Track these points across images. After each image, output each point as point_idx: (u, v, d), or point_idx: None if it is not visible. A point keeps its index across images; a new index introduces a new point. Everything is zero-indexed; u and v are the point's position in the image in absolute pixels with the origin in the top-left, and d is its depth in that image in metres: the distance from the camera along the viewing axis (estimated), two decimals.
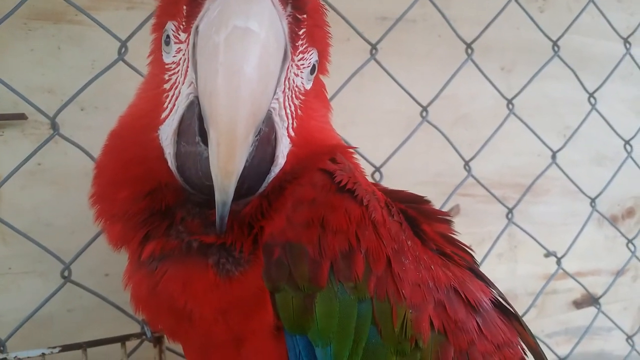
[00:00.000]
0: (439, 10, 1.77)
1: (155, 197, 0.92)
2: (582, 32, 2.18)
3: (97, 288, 1.43)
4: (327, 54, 1.02)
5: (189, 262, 0.90)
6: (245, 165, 0.83)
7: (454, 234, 1.11)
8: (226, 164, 0.80)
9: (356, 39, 1.63)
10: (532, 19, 1.95)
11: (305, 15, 0.88)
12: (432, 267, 0.96)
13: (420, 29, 1.93)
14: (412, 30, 1.91)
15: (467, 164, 1.87)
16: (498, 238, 1.97)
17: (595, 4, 2.13)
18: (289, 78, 0.91)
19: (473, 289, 1.01)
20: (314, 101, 1.01)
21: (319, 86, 1.05)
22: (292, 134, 0.94)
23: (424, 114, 1.76)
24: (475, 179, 1.89)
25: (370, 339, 0.87)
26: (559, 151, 2.08)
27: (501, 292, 1.10)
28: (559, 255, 2.15)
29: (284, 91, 0.91)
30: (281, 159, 0.92)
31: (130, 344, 1.38)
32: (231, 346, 0.94)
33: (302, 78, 0.95)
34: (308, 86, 0.97)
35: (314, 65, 0.96)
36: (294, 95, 0.94)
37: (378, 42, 1.67)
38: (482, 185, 1.91)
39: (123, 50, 1.39)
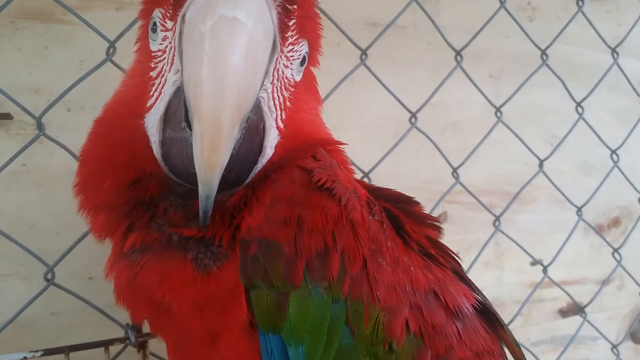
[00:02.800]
0: (429, 17, 1.77)
1: (139, 187, 0.91)
2: (571, 42, 2.20)
3: (81, 291, 1.41)
4: (318, 45, 1.01)
5: (168, 256, 0.90)
6: (232, 153, 0.83)
7: (440, 239, 1.09)
8: (210, 157, 0.79)
9: (346, 44, 1.63)
10: (521, 27, 1.96)
11: (295, 6, 0.87)
12: (412, 268, 0.95)
13: (410, 35, 1.94)
14: (402, 37, 1.92)
15: (455, 170, 1.87)
16: (485, 246, 1.97)
17: (583, 13, 2.15)
18: (277, 69, 0.90)
19: (455, 293, 0.99)
20: (304, 93, 1.00)
21: (309, 78, 1.04)
22: (281, 125, 0.94)
23: (413, 120, 1.76)
24: (463, 186, 1.89)
25: (343, 340, 0.87)
26: (546, 160, 2.09)
27: (486, 298, 1.09)
28: (545, 264, 2.15)
29: (272, 82, 0.90)
30: (269, 150, 0.91)
31: (114, 349, 1.36)
32: (207, 341, 0.93)
33: (291, 70, 0.94)
34: (298, 78, 0.96)
35: (304, 56, 0.95)
36: (283, 87, 0.93)
37: (368, 47, 1.66)
38: (470, 193, 1.91)
39: (111, 50, 1.38)
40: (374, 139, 1.84)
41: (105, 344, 1.33)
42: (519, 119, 2.08)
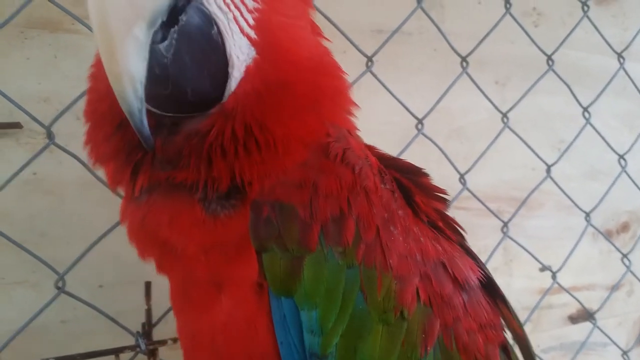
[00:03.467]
0: (435, 24, 1.78)
1: (125, 130, 0.85)
2: (576, 47, 2.20)
3: (92, 299, 1.41)
4: None
5: (175, 196, 0.87)
6: (164, 62, 0.77)
7: (446, 211, 1.09)
8: (110, 66, 0.73)
9: (352, 51, 1.64)
10: (526, 33, 1.96)
11: None
12: (422, 239, 0.95)
13: (416, 41, 1.95)
14: (407, 43, 1.93)
15: (462, 177, 1.87)
16: (493, 252, 1.97)
17: (589, 19, 2.15)
18: None
19: (462, 266, 0.99)
20: None
21: None
22: (251, 33, 0.85)
23: (420, 126, 1.77)
24: (470, 192, 1.89)
25: (357, 306, 0.86)
26: (553, 165, 2.09)
27: (489, 272, 1.09)
28: (554, 270, 2.14)
29: None
30: (236, 60, 0.84)
31: (125, 357, 1.36)
32: (212, 289, 0.92)
33: None
34: None
35: None
36: None
37: (374, 54, 1.67)
38: (477, 199, 1.91)
39: None
40: (380, 145, 1.82)
41: (116, 351, 1.34)
42: (526, 125, 2.08)
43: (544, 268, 2.17)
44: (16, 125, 1.41)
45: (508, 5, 1.93)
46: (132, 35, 0.71)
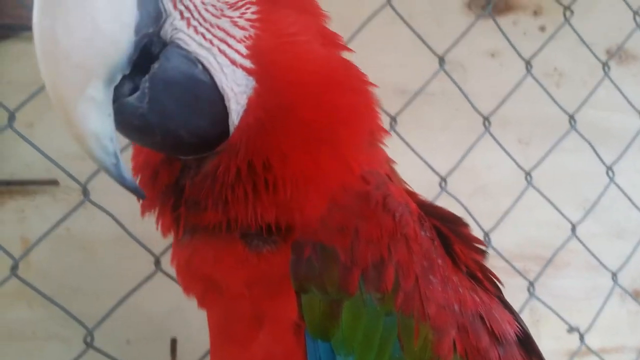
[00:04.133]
0: (457, 85, 1.83)
1: (158, 178, 0.86)
2: (598, 106, 2.22)
3: (119, 355, 1.43)
4: None
5: (218, 234, 0.86)
6: (139, 112, 0.75)
7: (485, 263, 1.06)
8: (69, 129, 0.71)
9: None
10: (548, 94, 2.00)
11: None
12: (460, 289, 0.93)
13: (439, 101, 1.99)
14: (431, 103, 1.97)
15: (486, 235, 1.88)
16: (520, 312, 1.94)
17: (610, 78, 2.19)
18: None
19: (499, 319, 0.97)
20: (274, 10, 0.85)
21: None
22: (246, 63, 0.81)
23: (443, 184, 1.79)
24: (495, 250, 1.89)
25: (393, 354, 0.85)
26: (578, 224, 2.08)
27: (526, 327, 1.06)
28: (581, 330, 2.11)
29: (183, 17, 0.78)
30: (231, 93, 0.80)
31: None
32: (253, 324, 0.91)
33: None
34: None
35: None
36: (204, 15, 0.80)
37: (397, 114, 1.72)
38: (502, 257, 1.91)
39: None
40: None
41: None
42: (550, 183, 2.08)
43: (571, 329, 2.13)
44: (53, 182, 1.46)
45: (529, 67, 1.98)
46: (86, 96, 0.69)
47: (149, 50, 0.76)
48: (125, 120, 0.75)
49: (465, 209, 1.84)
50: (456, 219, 1.04)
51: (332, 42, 0.94)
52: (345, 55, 0.95)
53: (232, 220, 0.83)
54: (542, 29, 2.17)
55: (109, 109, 0.71)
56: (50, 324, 1.47)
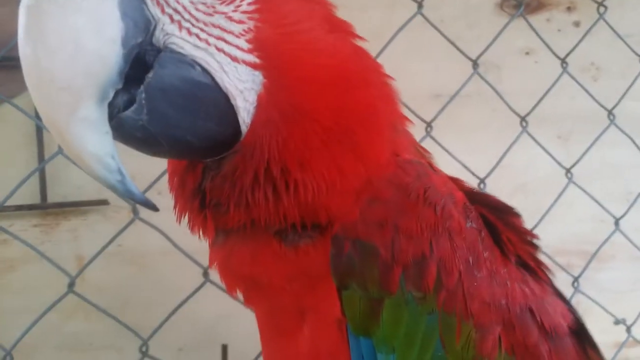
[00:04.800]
0: (491, 86, 1.83)
1: (185, 181, 0.85)
2: (637, 98, 2.18)
3: None
4: None
5: (252, 233, 0.84)
6: (140, 124, 0.72)
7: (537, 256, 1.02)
8: (68, 151, 0.70)
9: (411, 117, 1.69)
10: (585, 89, 1.99)
11: None
12: (508, 282, 0.90)
13: (475, 103, 2.00)
14: (467, 105, 1.97)
15: None
16: None
17: None
18: (164, 3, 0.74)
19: (551, 311, 0.94)
20: (268, 1, 0.80)
21: None
22: (249, 58, 0.77)
23: (482, 185, 1.79)
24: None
25: (435, 353, 0.84)
26: (621, 218, 2.07)
27: (580, 316, 1.02)
28: (628, 322, 2.09)
29: (173, 20, 0.74)
30: (236, 91, 0.76)
31: None
32: (297, 317, 0.90)
33: None
34: None
35: None
36: (196, 15, 0.76)
37: (432, 120, 1.73)
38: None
39: None
40: None
41: None
42: (591, 177, 2.07)
43: (618, 321, 2.11)
44: (104, 202, 1.53)
45: (565, 65, 1.97)
46: (78, 117, 0.67)
47: (143, 60, 0.73)
48: (127, 134, 0.73)
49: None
50: (506, 207, 1.00)
51: (341, 28, 0.88)
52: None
53: (256, 220, 0.82)
54: (577, 24, 2.15)
55: (106, 127, 0.69)
56: (106, 335, 1.54)
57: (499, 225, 0.95)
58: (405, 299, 0.82)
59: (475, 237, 0.87)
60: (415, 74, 1.91)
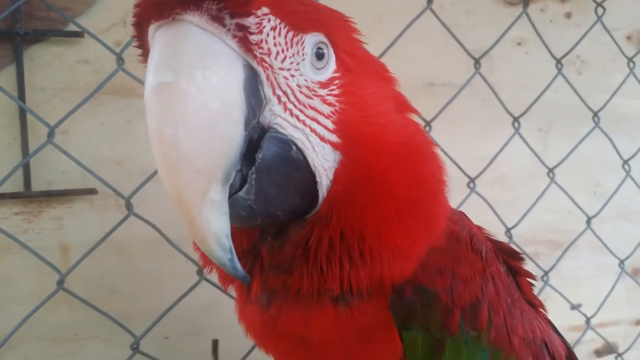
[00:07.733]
0: (488, 84, 1.83)
1: (237, 241, 0.83)
2: (620, 94, 2.21)
3: (158, 352, 1.48)
4: (341, 28, 0.86)
5: (303, 297, 0.86)
6: (247, 204, 0.75)
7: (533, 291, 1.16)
8: (193, 233, 0.72)
9: None
10: (571, 85, 2.01)
11: (253, 18, 0.72)
12: (531, 320, 1.02)
13: (464, 93, 1.97)
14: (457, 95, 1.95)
15: (508, 231, 1.92)
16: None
17: (635, 75, 2.20)
18: (276, 85, 0.77)
19: (556, 344, 1.06)
20: (351, 84, 0.84)
21: (354, 62, 0.85)
22: (333, 137, 0.81)
23: (472, 185, 1.81)
24: (517, 245, 1.94)
25: None
26: (594, 217, 2.15)
27: (570, 346, 1.16)
28: (584, 309, 2.22)
29: (280, 102, 0.77)
30: (322, 169, 0.80)
31: None
32: None
33: (301, 75, 0.79)
34: (323, 77, 0.81)
35: (317, 52, 0.80)
36: (300, 98, 0.79)
37: (432, 120, 1.74)
38: (521, 249, 1.95)
39: None
40: None
41: None
42: (564, 169, 2.10)
43: (574, 307, 2.23)
44: (92, 192, 1.45)
45: (560, 66, 1.99)
46: (208, 200, 0.69)
47: (250, 138, 0.75)
48: (234, 212, 0.75)
49: (493, 210, 1.91)
50: (515, 252, 1.13)
51: (404, 106, 0.95)
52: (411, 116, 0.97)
53: (323, 286, 0.84)
54: (568, 15, 2.14)
55: (226, 208, 0.72)
56: (91, 325, 1.50)
57: (516, 268, 1.10)
58: (465, 339, 0.89)
59: (508, 280, 1.00)
60: (410, 61, 1.87)
